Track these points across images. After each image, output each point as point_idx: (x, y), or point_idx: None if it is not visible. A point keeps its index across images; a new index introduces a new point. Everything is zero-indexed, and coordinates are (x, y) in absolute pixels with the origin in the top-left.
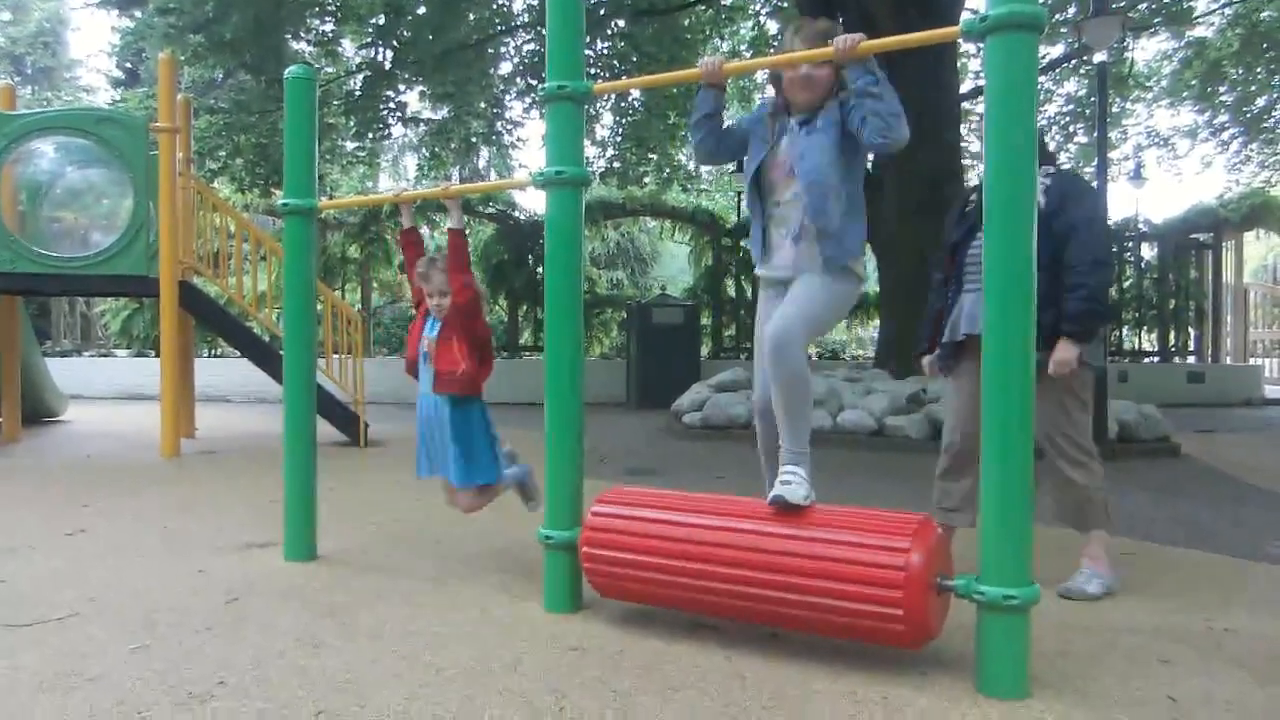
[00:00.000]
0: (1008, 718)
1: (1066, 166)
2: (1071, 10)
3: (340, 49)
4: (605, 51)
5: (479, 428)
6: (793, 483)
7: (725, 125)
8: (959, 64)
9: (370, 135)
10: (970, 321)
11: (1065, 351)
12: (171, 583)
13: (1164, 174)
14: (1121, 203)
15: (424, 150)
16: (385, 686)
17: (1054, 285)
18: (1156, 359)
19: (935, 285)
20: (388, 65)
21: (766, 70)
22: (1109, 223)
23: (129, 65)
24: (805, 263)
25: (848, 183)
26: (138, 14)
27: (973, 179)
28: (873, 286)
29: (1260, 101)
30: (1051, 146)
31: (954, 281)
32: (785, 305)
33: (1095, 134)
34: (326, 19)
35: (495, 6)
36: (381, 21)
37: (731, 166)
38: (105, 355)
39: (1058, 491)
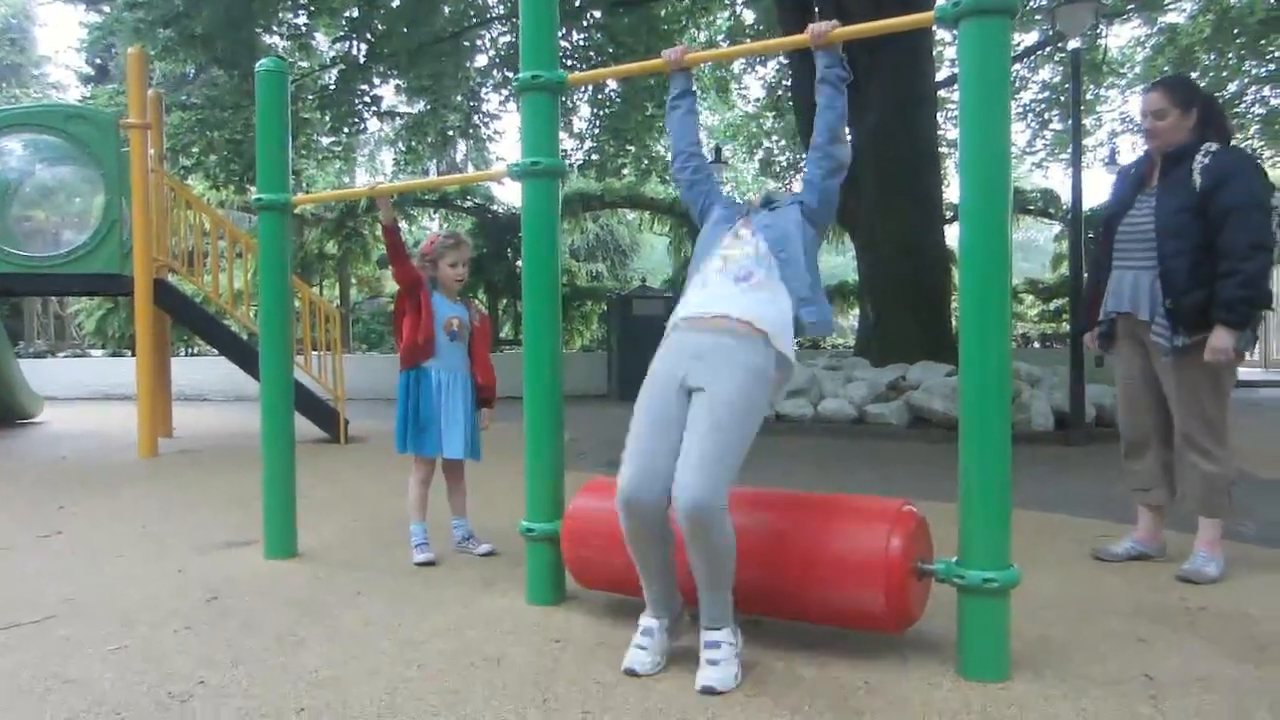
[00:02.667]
0: (988, 699)
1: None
2: None
3: (314, 42)
4: (581, 43)
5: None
6: (720, 662)
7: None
8: (935, 52)
9: (345, 130)
10: (1116, 299)
11: (1221, 339)
12: (150, 583)
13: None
14: (1096, 188)
15: (400, 144)
16: (367, 683)
17: (1203, 268)
18: None
19: (1094, 263)
20: (362, 59)
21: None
22: (1266, 207)
23: (98, 61)
24: (745, 314)
25: (811, 254)
26: (106, 9)
27: (1133, 153)
28: (851, 275)
29: (1232, 87)
30: (1027, 135)
31: (1106, 258)
32: (695, 446)
33: (1070, 121)
34: (299, 12)
35: None
36: (355, 14)
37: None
38: (80, 355)
39: (1186, 477)
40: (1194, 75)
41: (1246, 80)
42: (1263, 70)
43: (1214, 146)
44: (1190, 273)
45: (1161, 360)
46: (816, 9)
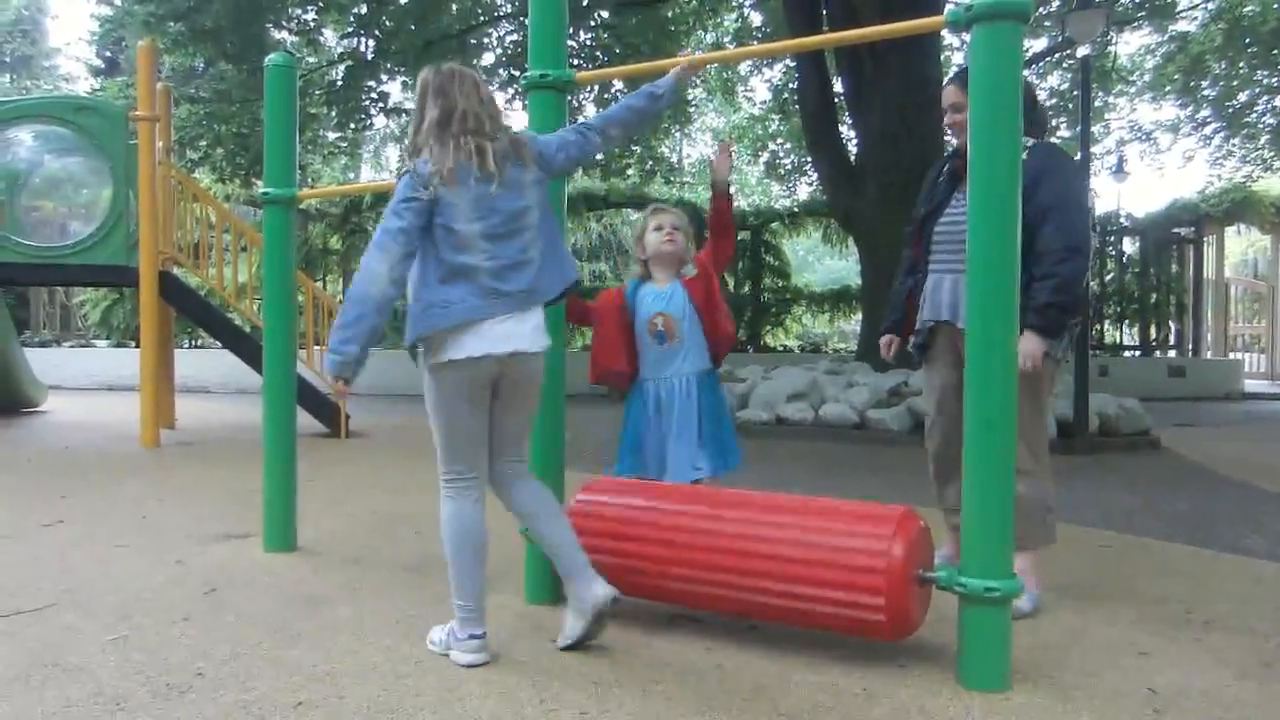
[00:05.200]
0: (988, 709)
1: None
2: (1055, 3)
3: (322, 38)
4: (589, 43)
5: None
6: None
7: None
8: (942, 57)
9: (352, 126)
10: (934, 307)
11: (1030, 344)
12: (150, 573)
13: (1146, 168)
14: (1104, 197)
15: (406, 141)
16: (364, 677)
17: (1025, 269)
18: (1138, 353)
19: (904, 264)
20: (370, 55)
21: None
22: (1090, 206)
23: (108, 54)
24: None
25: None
26: (117, 2)
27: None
28: (854, 279)
29: (1242, 96)
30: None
31: (921, 260)
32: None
33: (1078, 128)
34: (308, 8)
35: None
36: (363, 11)
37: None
38: (85, 345)
39: None
40: (1205, 84)
41: (1258, 89)
42: (1274, 79)
43: (1029, 142)
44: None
45: None
46: (824, 12)
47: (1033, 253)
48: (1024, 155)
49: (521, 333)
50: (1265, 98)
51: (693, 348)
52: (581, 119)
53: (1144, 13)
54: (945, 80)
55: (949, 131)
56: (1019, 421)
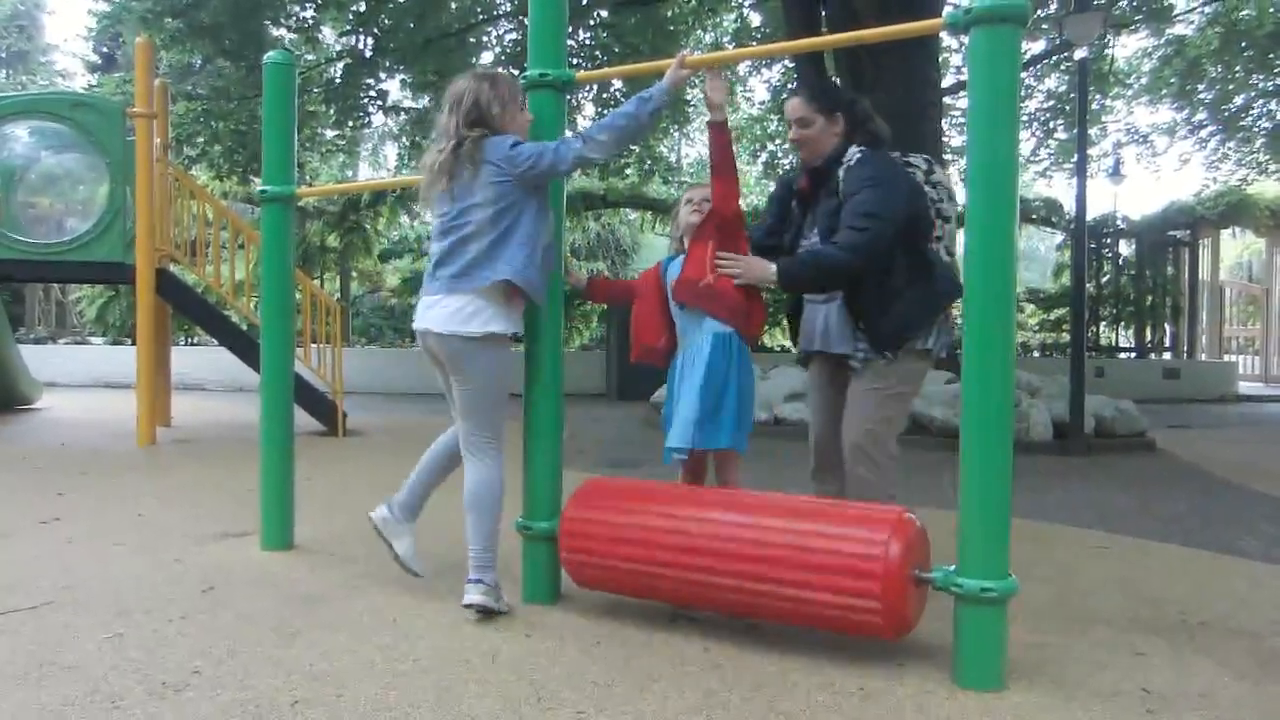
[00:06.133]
0: (984, 708)
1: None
2: (1053, 6)
3: (321, 36)
4: (588, 42)
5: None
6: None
7: None
8: (940, 58)
9: (350, 123)
10: (807, 340)
11: (759, 268)
12: (147, 571)
13: (1143, 171)
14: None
15: (404, 139)
16: (361, 676)
17: (889, 282)
18: (1133, 355)
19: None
20: (368, 53)
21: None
22: (888, 219)
23: (105, 50)
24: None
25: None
26: None
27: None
28: None
29: (1238, 100)
30: (1032, 143)
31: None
32: None
33: (1075, 130)
34: (307, 5)
35: None
36: (362, 9)
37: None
38: (81, 343)
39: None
40: (1201, 87)
41: (1254, 93)
42: (1270, 84)
43: (858, 153)
44: (879, 294)
45: (852, 375)
46: (823, 13)
47: (833, 235)
48: (850, 164)
49: (433, 314)
50: (1261, 101)
51: (706, 318)
52: (580, 119)
53: (1141, 16)
54: (788, 94)
55: (794, 147)
56: (888, 414)
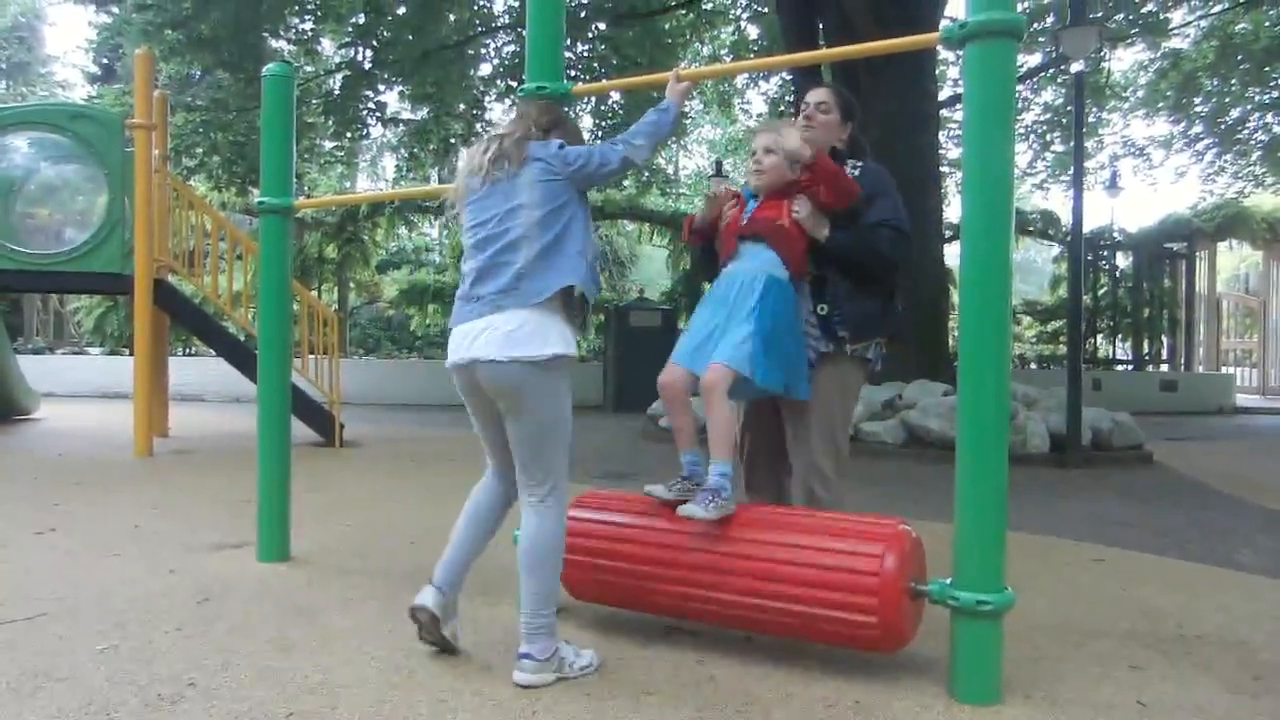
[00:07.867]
0: None
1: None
2: (1049, 20)
3: (319, 48)
4: (585, 54)
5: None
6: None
7: None
8: (938, 71)
9: (349, 135)
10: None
11: (816, 220)
12: (142, 583)
13: (1139, 184)
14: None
15: (403, 151)
16: (357, 689)
17: (856, 287)
18: (1130, 367)
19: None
20: (367, 65)
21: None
22: (902, 225)
23: (105, 61)
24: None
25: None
26: (115, 9)
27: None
28: None
29: (1234, 113)
30: (1029, 156)
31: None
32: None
33: (1072, 143)
34: (306, 17)
35: (476, 8)
36: (361, 21)
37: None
38: (78, 353)
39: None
40: (1197, 100)
41: (1250, 106)
42: (1266, 97)
43: (860, 162)
44: (858, 284)
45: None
46: (820, 26)
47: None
48: (855, 172)
49: (483, 340)
50: (1257, 114)
51: (770, 254)
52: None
53: (1137, 30)
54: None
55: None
56: (833, 425)
